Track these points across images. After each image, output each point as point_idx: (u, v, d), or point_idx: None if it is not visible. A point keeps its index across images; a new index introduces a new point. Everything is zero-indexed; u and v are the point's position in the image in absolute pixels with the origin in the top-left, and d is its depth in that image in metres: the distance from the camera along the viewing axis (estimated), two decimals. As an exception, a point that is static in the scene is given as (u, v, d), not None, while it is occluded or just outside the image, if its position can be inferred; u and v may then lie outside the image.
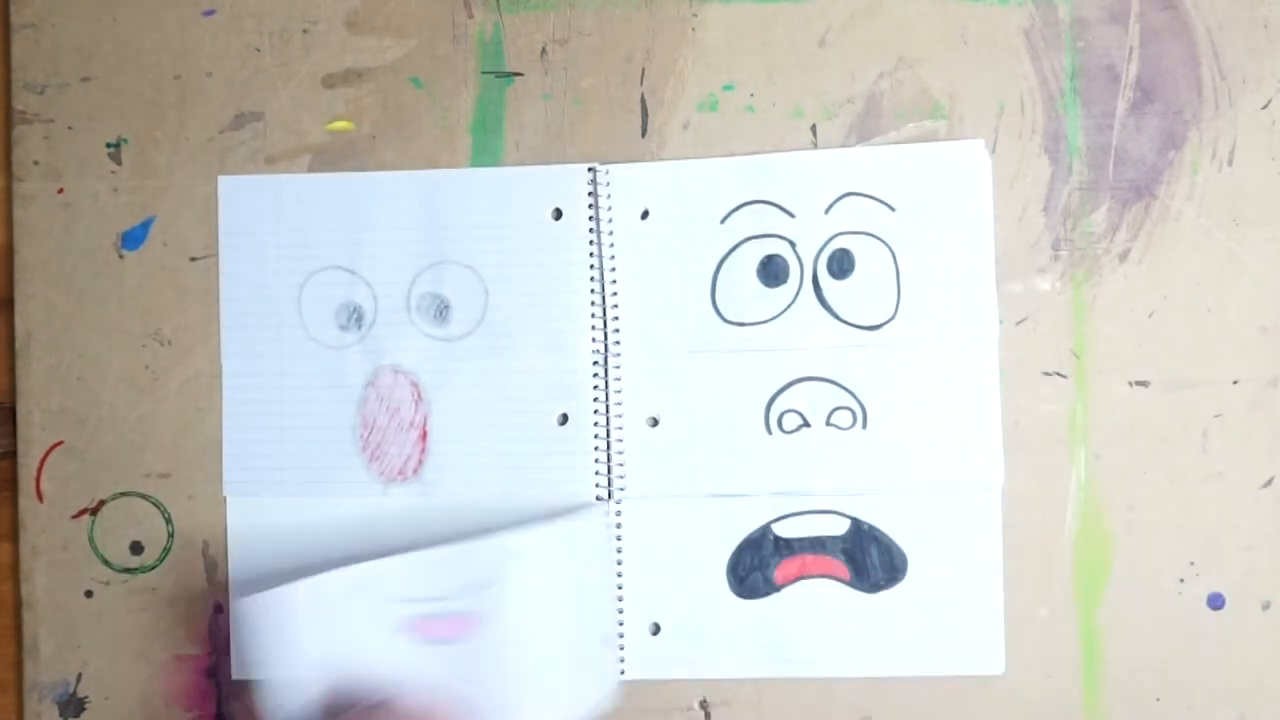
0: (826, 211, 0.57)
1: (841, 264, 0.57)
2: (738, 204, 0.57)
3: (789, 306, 0.57)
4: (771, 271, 0.57)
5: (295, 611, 0.50)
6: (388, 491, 0.57)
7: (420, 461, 0.57)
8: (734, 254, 0.57)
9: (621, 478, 0.57)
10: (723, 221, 0.57)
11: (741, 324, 0.57)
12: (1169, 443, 0.57)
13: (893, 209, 0.57)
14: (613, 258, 0.57)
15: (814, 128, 0.57)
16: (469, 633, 0.52)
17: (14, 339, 0.58)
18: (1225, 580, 0.57)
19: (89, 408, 0.58)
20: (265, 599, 0.50)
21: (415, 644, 0.52)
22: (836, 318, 0.57)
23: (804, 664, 0.57)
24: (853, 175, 0.57)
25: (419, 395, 0.57)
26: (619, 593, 0.57)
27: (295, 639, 0.50)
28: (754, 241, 0.57)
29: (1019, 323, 0.57)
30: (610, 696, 0.56)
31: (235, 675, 0.57)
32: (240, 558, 0.57)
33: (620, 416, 0.57)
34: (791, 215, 0.57)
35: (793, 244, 0.57)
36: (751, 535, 0.57)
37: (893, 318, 0.57)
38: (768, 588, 0.57)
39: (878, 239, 0.57)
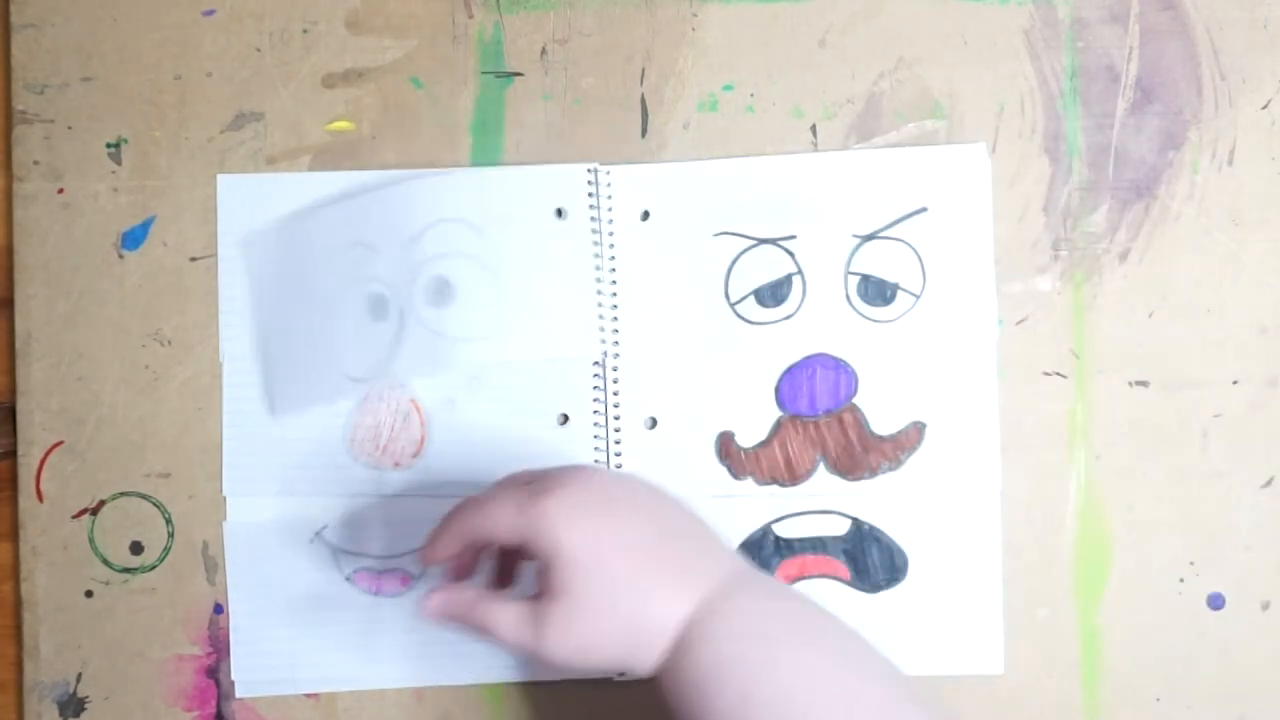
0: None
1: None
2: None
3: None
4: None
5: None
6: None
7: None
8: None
9: (621, 478, 0.57)
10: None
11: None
12: (1169, 443, 0.57)
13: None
14: (613, 258, 0.57)
15: (814, 128, 0.57)
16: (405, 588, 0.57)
17: (14, 339, 0.58)
18: (1225, 580, 0.57)
19: (89, 408, 0.58)
20: None
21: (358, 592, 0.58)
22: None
23: (804, 664, 0.57)
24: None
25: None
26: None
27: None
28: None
29: (1019, 323, 0.57)
30: None
31: (235, 675, 0.57)
32: (240, 557, 0.57)
33: (620, 417, 0.57)
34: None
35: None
36: (752, 535, 0.57)
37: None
38: (768, 588, 0.57)
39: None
